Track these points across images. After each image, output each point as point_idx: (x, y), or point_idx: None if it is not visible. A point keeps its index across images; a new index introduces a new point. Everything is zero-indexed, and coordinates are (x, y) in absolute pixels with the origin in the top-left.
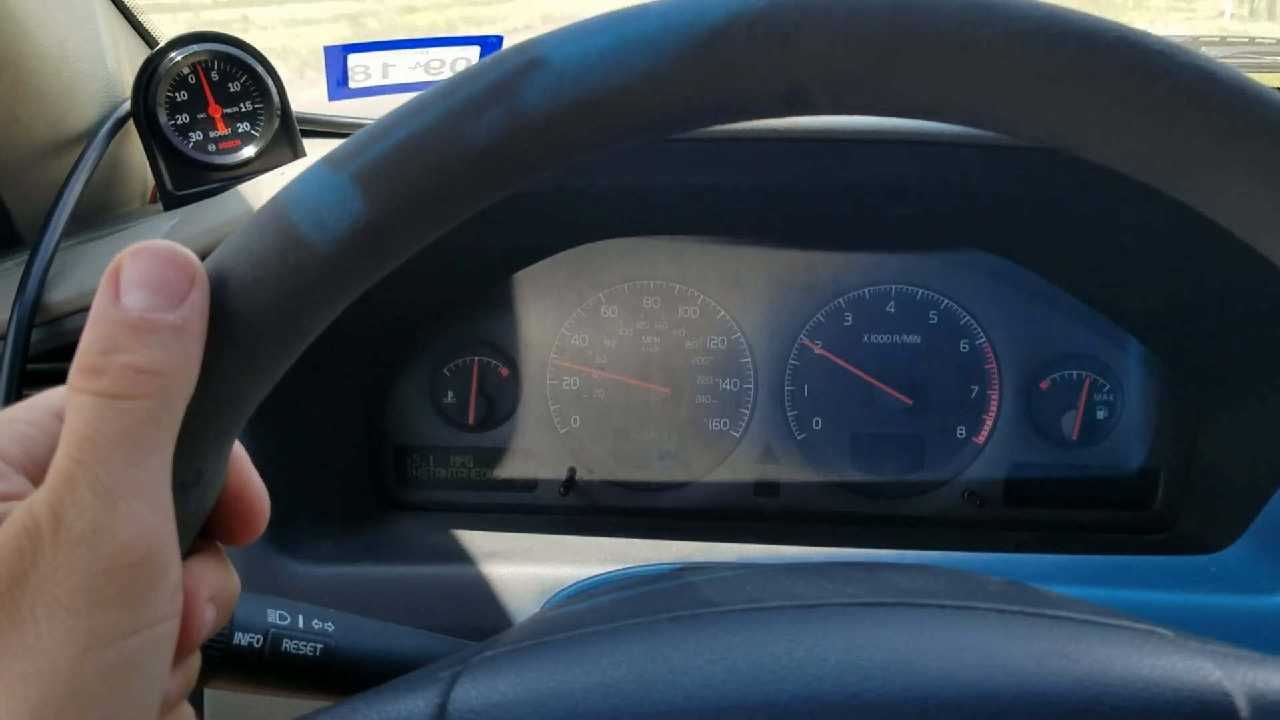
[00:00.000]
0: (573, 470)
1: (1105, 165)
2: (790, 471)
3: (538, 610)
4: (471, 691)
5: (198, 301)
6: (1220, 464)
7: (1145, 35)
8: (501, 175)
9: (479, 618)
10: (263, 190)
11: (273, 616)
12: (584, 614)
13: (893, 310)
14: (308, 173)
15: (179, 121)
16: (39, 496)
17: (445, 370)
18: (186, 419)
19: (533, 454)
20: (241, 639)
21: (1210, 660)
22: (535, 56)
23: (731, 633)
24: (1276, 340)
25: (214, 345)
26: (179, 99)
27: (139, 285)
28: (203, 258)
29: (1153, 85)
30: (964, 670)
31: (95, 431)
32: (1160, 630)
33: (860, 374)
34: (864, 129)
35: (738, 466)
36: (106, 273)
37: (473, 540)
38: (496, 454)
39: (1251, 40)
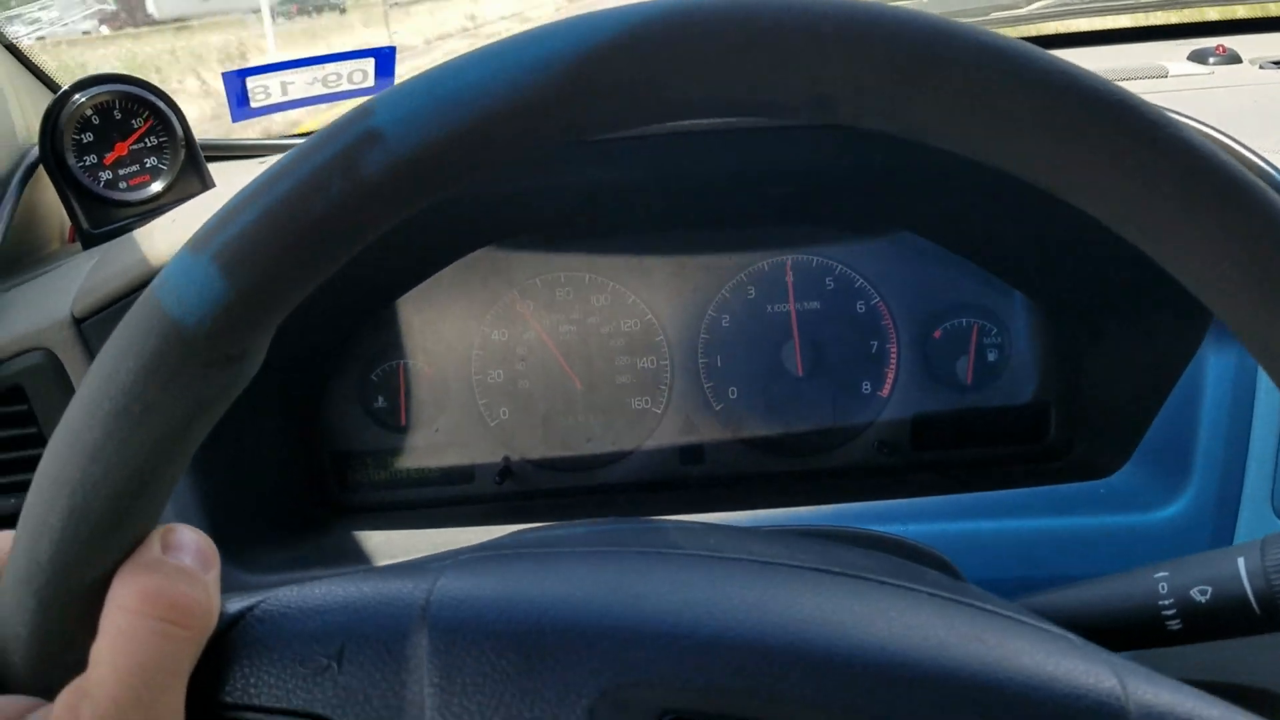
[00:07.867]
0: (506, 458)
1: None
2: (712, 438)
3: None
4: (455, 584)
5: (217, 572)
6: (1105, 393)
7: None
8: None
9: None
10: (176, 224)
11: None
12: (562, 538)
13: (792, 280)
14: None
15: (87, 162)
16: (86, 712)
17: (373, 376)
18: (238, 302)
19: (467, 447)
20: None
21: (1108, 668)
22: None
23: (691, 573)
24: (1138, 274)
25: (278, 250)
26: (85, 140)
27: (186, 551)
28: (126, 294)
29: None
30: (891, 638)
31: (146, 658)
32: (1070, 637)
33: (795, 332)
34: (716, 122)
35: (662, 440)
36: (155, 536)
37: (417, 538)
38: (432, 451)
39: None
